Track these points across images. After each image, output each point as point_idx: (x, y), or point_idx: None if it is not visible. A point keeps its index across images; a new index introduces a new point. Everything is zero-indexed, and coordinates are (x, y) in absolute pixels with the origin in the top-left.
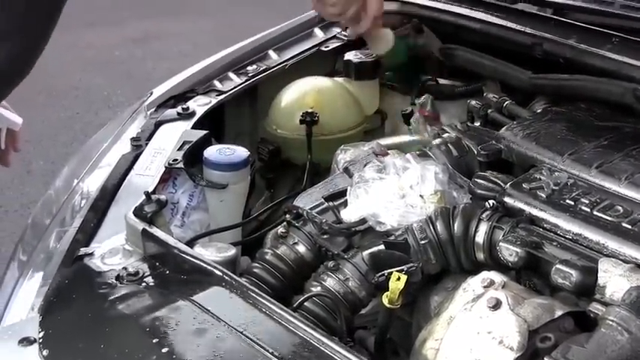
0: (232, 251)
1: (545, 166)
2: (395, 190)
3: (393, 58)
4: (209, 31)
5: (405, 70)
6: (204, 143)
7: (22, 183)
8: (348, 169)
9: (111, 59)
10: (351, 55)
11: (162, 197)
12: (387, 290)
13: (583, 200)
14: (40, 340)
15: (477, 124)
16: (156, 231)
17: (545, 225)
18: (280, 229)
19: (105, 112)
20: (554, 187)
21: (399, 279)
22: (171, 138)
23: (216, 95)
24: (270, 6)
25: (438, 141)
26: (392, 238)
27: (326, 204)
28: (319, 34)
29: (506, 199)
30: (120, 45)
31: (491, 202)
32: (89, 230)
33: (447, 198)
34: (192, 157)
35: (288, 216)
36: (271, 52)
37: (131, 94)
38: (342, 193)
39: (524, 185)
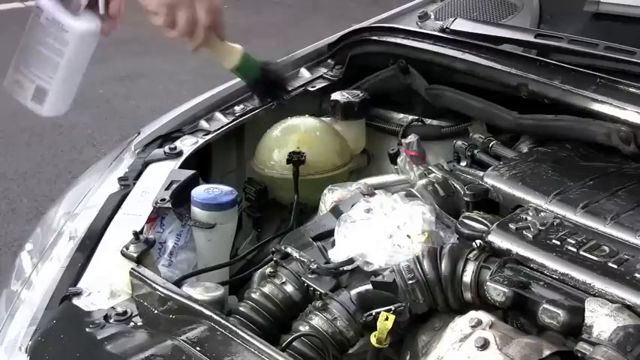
0: (220, 291)
1: (531, 207)
2: (382, 230)
3: (244, 72)
4: (193, 70)
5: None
6: (191, 183)
7: (6, 221)
8: (336, 208)
9: (95, 97)
10: (337, 95)
11: (151, 237)
12: (375, 330)
13: (569, 240)
14: None
15: (464, 164)
16: (144, 271)
17: (532, 265)
18: (268, 269)
19: (89, 150)
20: (540, 228)
21: (387, 319)
22: (159, 177)
23: (204, 135)
24: (255, 45)
25: (424, 181)
26: (380, 277)
27: (314, 244)
28: (305, 74)
29: (493, 239)
30: (104, 83)
31: (478, 242)
32: (77, 270)
33: (435, 238)
34: (180, 196)
35: (275, 256)
36: None
37: (115, 133)
38: (330, 233)
39: (510, 225)
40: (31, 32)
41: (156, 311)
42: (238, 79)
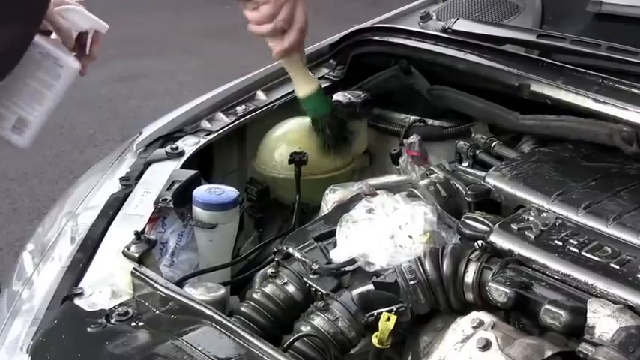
0: (221, 291)
1: (533, 207)
2: (384, 230)
3: (314, 105)
4: (194, 70)
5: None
6: (193, 183)
7: (8, 221)
8: (338, 209)
9: (97, 97)
10: (339, 96)
11: (152, 237)
12: (377, 330)
13: (571, 241)
14: None
15: (465, 164)
16: (145, 271)
17: (533, 265)
18: (270, 269)
19: (90, 151)
20: (542, 228)
21: (388, 319)
22: (161, 178)
23: (205, 135)
24: (256, 45)
25: (426, 181)
26: (381, 278)
27: (315, 244)
28: None
29: (495, 240)
30: (106, 83)
31: (480, 242)
32: (78, 270)
33: (436, 238)
34: (182, 196)
35: (277, 256)
36: (260, 93)
37: (117, 133)
38: (332, 233)
39: (512, 226)
40: (19, 65)
41: (157, 311)
42: (240, 79)
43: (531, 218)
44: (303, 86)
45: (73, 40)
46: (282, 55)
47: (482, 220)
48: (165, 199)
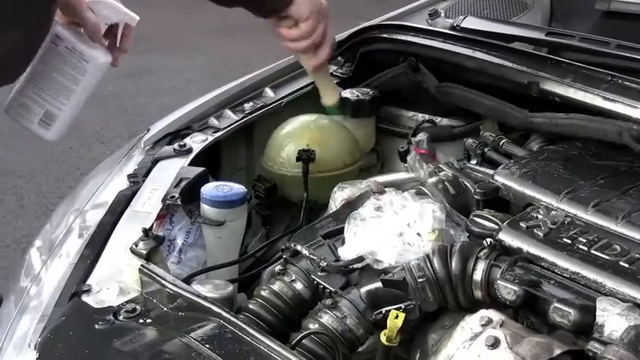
0: (229, 288)
1: (542, 205)
2: (392, 228)
3: (338, 112)
4: (202, 67)
5: None
6: (201, 180)
7: (15, 217)
8: (346, 206)
9: (104, 94)
10: (347, 93)
11: (160, 234)
12: (385, 328)
13: (580, 239)
14: None
15: (474, 162)
16: (153, 268)
17: (542, 263)
18: (278, 267)
19: (98, 147)
20: (551, 226)
21: (397, 317)
22: (169, 175)
23: (213, 132)
24: (263, 42)
25: (434, 179)
26: (390, 275)
27: (323, 241)
28: None
29: (504, 238)
30: (113, 80)
31: (488, 240)
32: (86, 267)
33: (445, 236)
34: (190, 193)
35: (285, 253)
36: (267, 90)
37: (124, 130)
38: (340, 231)
39: (521, 224)
40: (46, 59)
41: (165, 308)
42: (248, 76)
43: (540, 216)
44: (330, 95)
45: (101, 34)
46: (319, 69)
47: (491, 218)
48: (173, 197)
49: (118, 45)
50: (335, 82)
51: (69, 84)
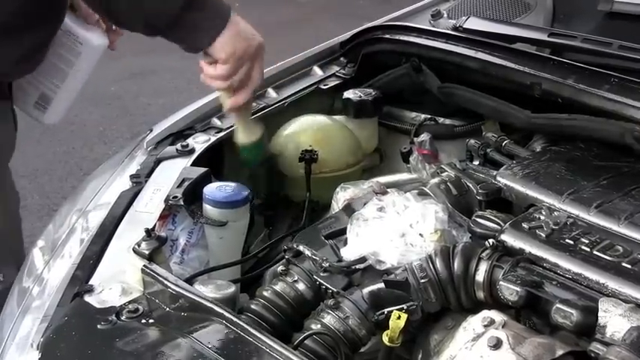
0: (232, 288)
1: (544, 206)
2: (395, 228)
3: (250, 152)
4: None
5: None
6: (203, 180)
7: None
8: (348, 207)
9: (107, 95)
10: (350, 94)
11: (162, 234)
12: (387, 329)
13: (583, 240)
14: None
15: (476, 163)
16: (156, 268)
17: (544, 264)
18: (280, 267)
19: (100, 148)
20: (553, 227)
21: (399, 317)
22: (171, 175)
23: (216, 132)
24: (267, 44)
25: (437, 180)
26: (392, 276)
27: (326, 242)
28: (318, 72)
29: (506, 238)
30: (115, 80)
31: (491, 241)
32: (89, 267)
33: (447, 237)
34: (192, 194)
35: (287, 254)
36: (270, 90)
37: (126, 130)
38: (342, 231)
39: (523, 224)
40: None
41: (167, 309)
42: None
43: (542, 217)
44: (246, 134)
45: (96, 16)
46: (233, 110)
47: (493, 218)
48: (176, 197)
49: (113, 27)
50: (337, 82)
51: (63, 67)
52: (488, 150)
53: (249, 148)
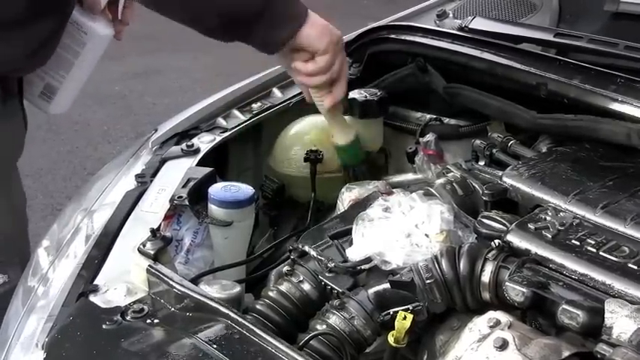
0: (237, 289)
1: (550, 206)
2: (400, 229)
3: (348, 154)
4: (209, 67)
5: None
6: (208, 180)
7: None
8: (354, 207)
9: (111, 94)
10: (355, 93)
11: (167, 234)
12: (393, 329)
13: (589, 241)
14: None
15: (482, 163)
16: (161, 268)
17: (550, 265)
18: (285, 267)
19: (104, 147)
20: (559, 228)
21: (404, 318)
22: (176, 175)
23: (221, 132)
24: None
25: (442, 180)
26: (397, 277)
27: (331, 242)
28: None
29: (512, 239)
30: (120, 80)
31: (496, 241)
32: (93, 266)
33: (453, 237)
34: (197, 194)
35: (293, 254)
36: (275, 90)
37: (130, 130)
38: (348, 232)
39: (529, 225)
40: None
41: (172, 309)
42: (256, 76)
43: (548, 218)
44: (342, 135)
45: (101, 6)
46: (334, 109)
47: (499, 219)
48: (181, 197)
49: (119, 17)
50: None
51: (68, 56)
52: (493, 150)
53: (347, 148)
